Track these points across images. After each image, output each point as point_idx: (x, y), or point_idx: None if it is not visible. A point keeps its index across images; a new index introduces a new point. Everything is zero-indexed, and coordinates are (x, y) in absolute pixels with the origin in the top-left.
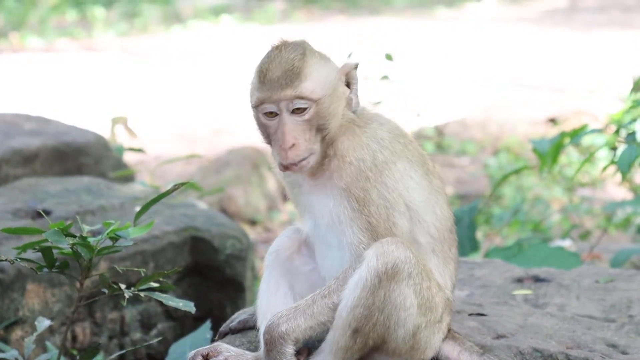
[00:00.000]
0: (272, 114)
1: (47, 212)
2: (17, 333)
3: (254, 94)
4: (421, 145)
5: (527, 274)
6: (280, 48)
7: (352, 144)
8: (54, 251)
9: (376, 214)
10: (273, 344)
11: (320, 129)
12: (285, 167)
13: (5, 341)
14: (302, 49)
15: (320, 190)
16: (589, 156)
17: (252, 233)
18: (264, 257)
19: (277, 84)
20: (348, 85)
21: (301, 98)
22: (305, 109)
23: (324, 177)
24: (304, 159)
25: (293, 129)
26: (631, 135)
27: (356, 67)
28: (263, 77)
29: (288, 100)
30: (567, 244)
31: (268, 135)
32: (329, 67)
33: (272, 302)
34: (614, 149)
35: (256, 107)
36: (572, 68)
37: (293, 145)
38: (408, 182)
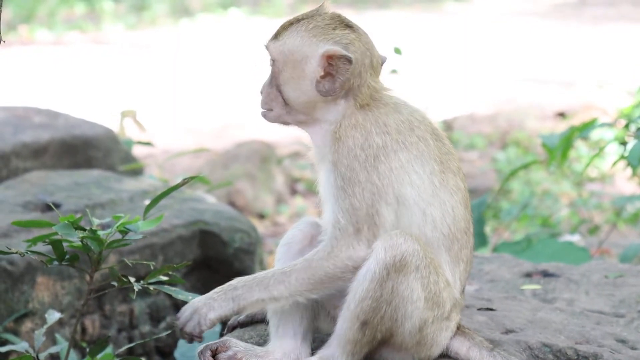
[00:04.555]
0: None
1: (57, 205)
2: (27, 325)
3: None
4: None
5: (535, 268)
6: (307, 12)
7: (347, 123)
8: (64, 244)
9: (360, 196)
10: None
11: (279, 90)
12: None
13: (16, 333)
14: (308, 17)
15: (323, 165)
16: (599, 151)
17: (260, 227)
18: (272, 251)
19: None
20: (335, 71)
21: (268, 51)
22: (271, 63)
23: (326, 151)
24: (263, 110)
25: (266, 80)
26: None
27: (345, 58)
28: None
29: (266, 51)
30: (576, 238)
31: None
32: (309, 42)
33: None
34: (623, 143)
35: None
36: (581, 62)
37: (261, 92)
38: (409, 175)
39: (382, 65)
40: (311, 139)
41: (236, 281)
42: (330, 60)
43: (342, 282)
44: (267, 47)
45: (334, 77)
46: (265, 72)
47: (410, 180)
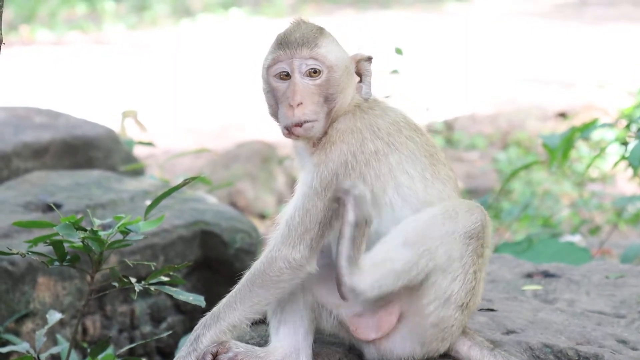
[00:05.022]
0: (284, 76)
1: (58, 206)
2: (28, 326)
3: (268, 57)
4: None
5: (536, 269)
6: (300, 22)
7: (344, 127)
8: (65, 245)
9: (330, 200)
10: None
11: (328, 99)
12: (288, 131)
13: (17, 334)
14: (320, 27)
15: (304, 168)
16: (600, 152)
17: (261, 227)
18: None
19: (295, 44)
20: (359, 75)
21: (316, 59)
22: (318, 72)
23: (313, 151)
24: (309, 121)
25: (303, 89)
26: None
27: (369, 59)
28: (281, 39)
29: (302, 60)
30: (576, 239)
31: (276, 101)
32: (342, 49)
33: None
34: (624, 143)
35: (269, 67)
36: (582, 62)
37: (301, 103)
38: (396, 179)
39: None
40: (304, 146)
41: (200, 321)
42: (360, 64)
43: (284, 285)
44: (313, 55)
45: (364, 80)
46: (290, 82)
47: (395, 184)
